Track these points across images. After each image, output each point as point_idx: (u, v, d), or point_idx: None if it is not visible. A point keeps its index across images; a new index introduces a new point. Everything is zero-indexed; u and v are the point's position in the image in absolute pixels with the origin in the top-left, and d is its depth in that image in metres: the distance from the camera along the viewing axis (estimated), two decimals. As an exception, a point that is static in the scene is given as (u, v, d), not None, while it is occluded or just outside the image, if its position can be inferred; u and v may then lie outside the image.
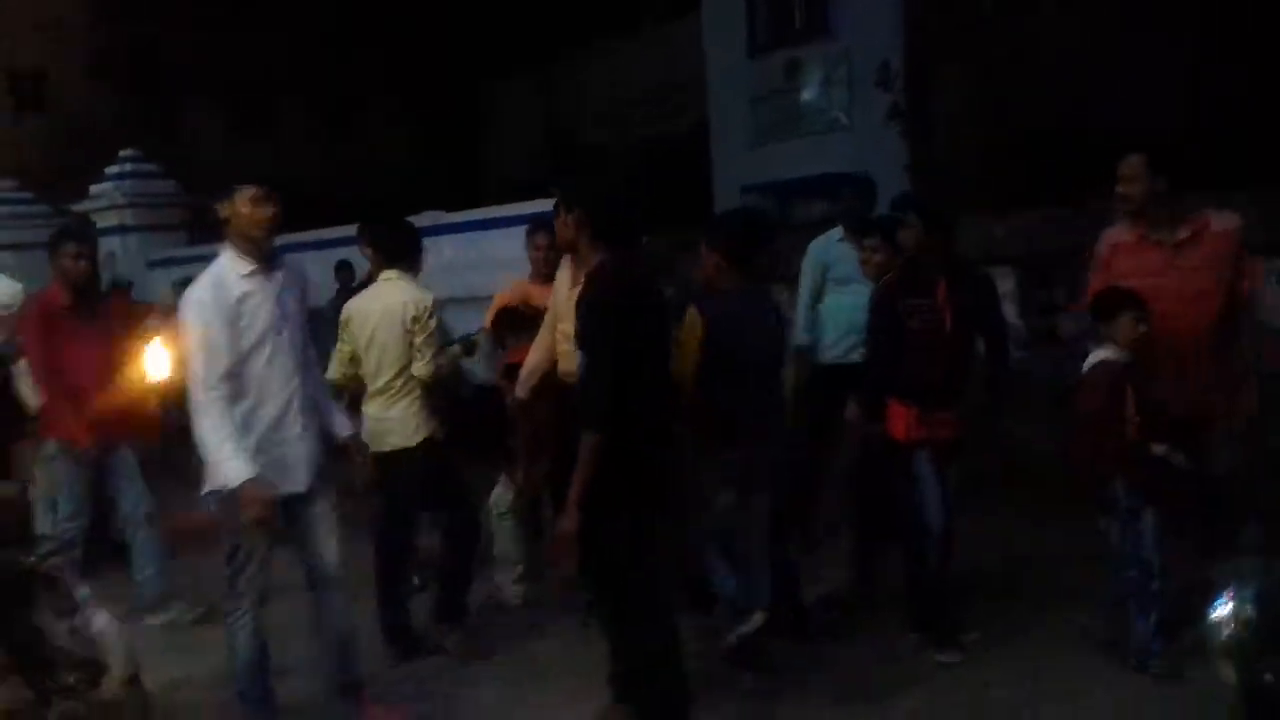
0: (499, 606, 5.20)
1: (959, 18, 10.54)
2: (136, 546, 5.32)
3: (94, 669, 3.59)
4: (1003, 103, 9.63)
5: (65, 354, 5.10)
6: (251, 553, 3.65)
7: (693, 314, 4.10)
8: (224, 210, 3.71)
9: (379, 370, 4.62)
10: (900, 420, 4.37)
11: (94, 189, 13.33)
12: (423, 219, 10.01)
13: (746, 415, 4.10)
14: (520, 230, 8.93)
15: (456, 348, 5.21)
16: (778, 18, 12.66)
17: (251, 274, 3.68)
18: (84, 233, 5.44)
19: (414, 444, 4.57)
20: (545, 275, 5.19)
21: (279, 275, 3.77)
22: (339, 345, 4.75)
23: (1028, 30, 10.32)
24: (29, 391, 5.41)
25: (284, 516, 3.68)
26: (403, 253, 4.83)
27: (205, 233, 13.45)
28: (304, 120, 22.21)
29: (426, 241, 5.08)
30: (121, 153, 13.46)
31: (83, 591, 3.63)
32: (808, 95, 11.83)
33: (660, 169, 16.53)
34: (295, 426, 3.73)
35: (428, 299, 4.65)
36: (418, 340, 4.57)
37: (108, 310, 5.58)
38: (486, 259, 8.30)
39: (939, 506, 4.34)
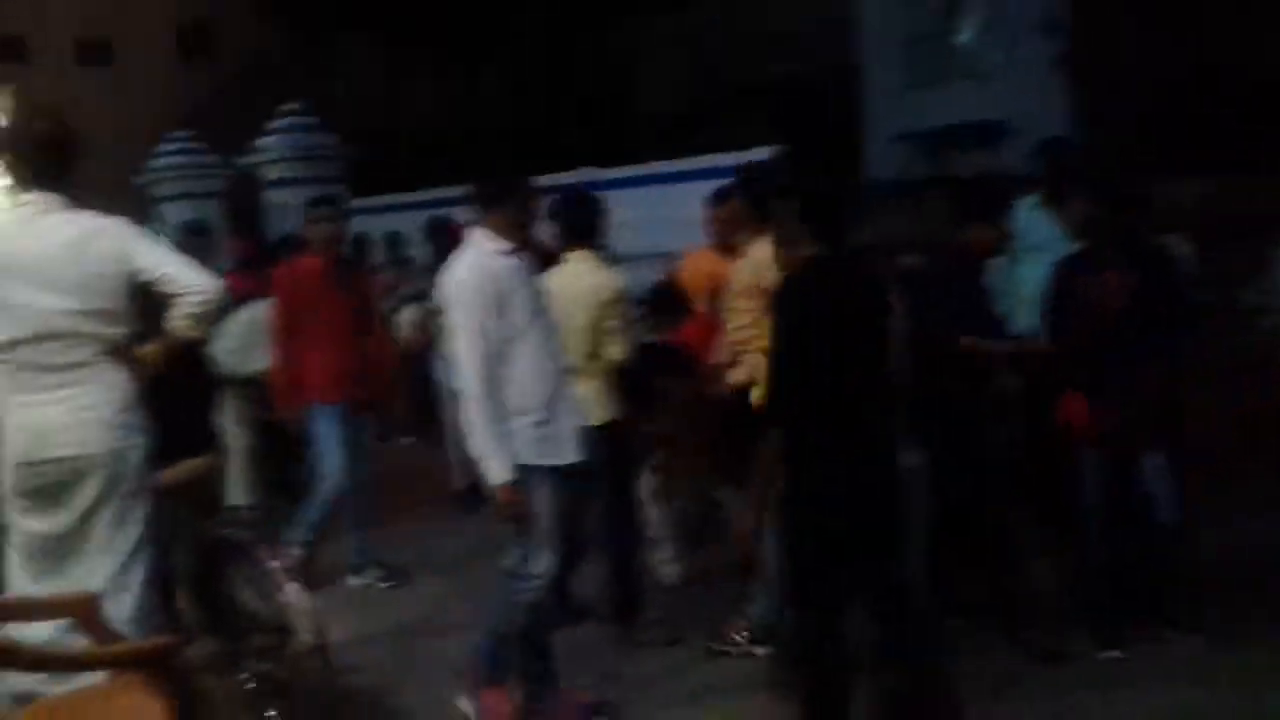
0: (657, 585, 5.22)
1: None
2: (312, 502, 5.52)
3: (282, 634, 3.85)
4: (1179, 51, 9.06)
5: (320, 317, 5.33)
6: (536, 533, 3.73)
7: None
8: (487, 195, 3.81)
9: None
10: (1068, 407, 4.24)
11: (259, 142, 13.85)
12: (580, 175, 10.16)
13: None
14: (678, 186, 9.07)
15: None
16: (937, -47, 12.15)
17: (510, 253, 3.76)
18: (334, 200, 5.69)
19: (597, 425, 4.39)
20: (722, 245, 5.10)
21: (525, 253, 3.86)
22: None
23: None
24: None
25: (563, 487, 3.79)
26: (589, 230, 4.69)
27: (364, 184, 13.90)
28: (448, 60, 22.48)
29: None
30: (283, 106, 13.93)
31: (271, 562, 3.88)
32: (966, 37, 11.37)
33: (811, 104, 16.27)
34: (563, 402, 3.81)
35: (617, 281, 4.57)
36: (610, 324, 4.49)
37: (357, 275, 5.80)
38: (647, 217, 8.27)
39: (1100, 496, 4.22)
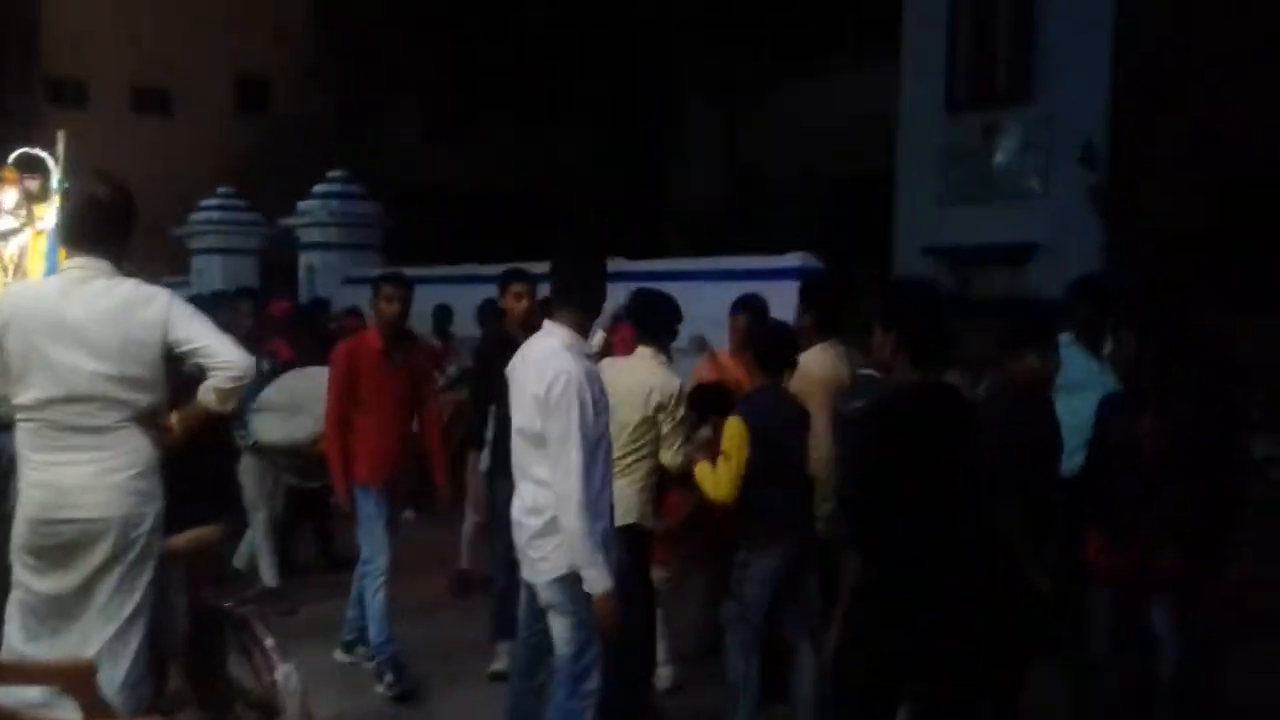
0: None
1: (1174, 90, 10.10)
2: (365, 591, 5.33)
3: (270, 711, 3.82)
4: (1222, 184, 9.16)
5: (374, 397, 5.24)
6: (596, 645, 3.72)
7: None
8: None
9: None
10: (1090, 545, 4.20)
11: (301, 205, 14.14)
12: (611, 265, 10.18)
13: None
14: (706, 285, 9.13)
15: None
16: (980, 74, 12.35)
17: (592, 355, 4.01)
18: (401, 278, 5.61)
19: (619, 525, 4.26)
20: (742, 348, 5.17)
21: None
22: None
23: (1241, 88, 9.78)
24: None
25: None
26: (660, 330, 4.66)
27: (398, 254, 14.11)
28: (498, 134, 22.95)
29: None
30: (330, 173, 14.24)
31: (269, 640, 3.87)
32: (1003, 159, 11.52)
33: (844, 213, 16.47)
34: (609, 505, 3.84)
35: (675, 384, 4.51)
36: (665, 429, 4.45)
37: (415, 355, 5.65)
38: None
39: (1103, 643, 4.17)
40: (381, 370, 5.28)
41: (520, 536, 3.81)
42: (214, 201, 15.56)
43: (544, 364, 3.69)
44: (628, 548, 4.24)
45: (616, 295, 5.49)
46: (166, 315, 3.46)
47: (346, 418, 5.26)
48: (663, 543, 4.90)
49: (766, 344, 4.61)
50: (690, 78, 20.59)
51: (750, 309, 5.36)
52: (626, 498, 4.36)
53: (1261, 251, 9.07)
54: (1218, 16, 9.99)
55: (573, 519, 3.58)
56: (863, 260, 12.06)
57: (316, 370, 6.08)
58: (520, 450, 3.81)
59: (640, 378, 4.48)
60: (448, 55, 21.22)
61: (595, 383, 3.72)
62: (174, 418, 3.59)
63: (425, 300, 9.40)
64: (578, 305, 3.85)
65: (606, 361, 4.64)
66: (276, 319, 8.44)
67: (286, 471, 6.60)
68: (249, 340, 6.18)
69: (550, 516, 3.67)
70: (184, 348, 3.49)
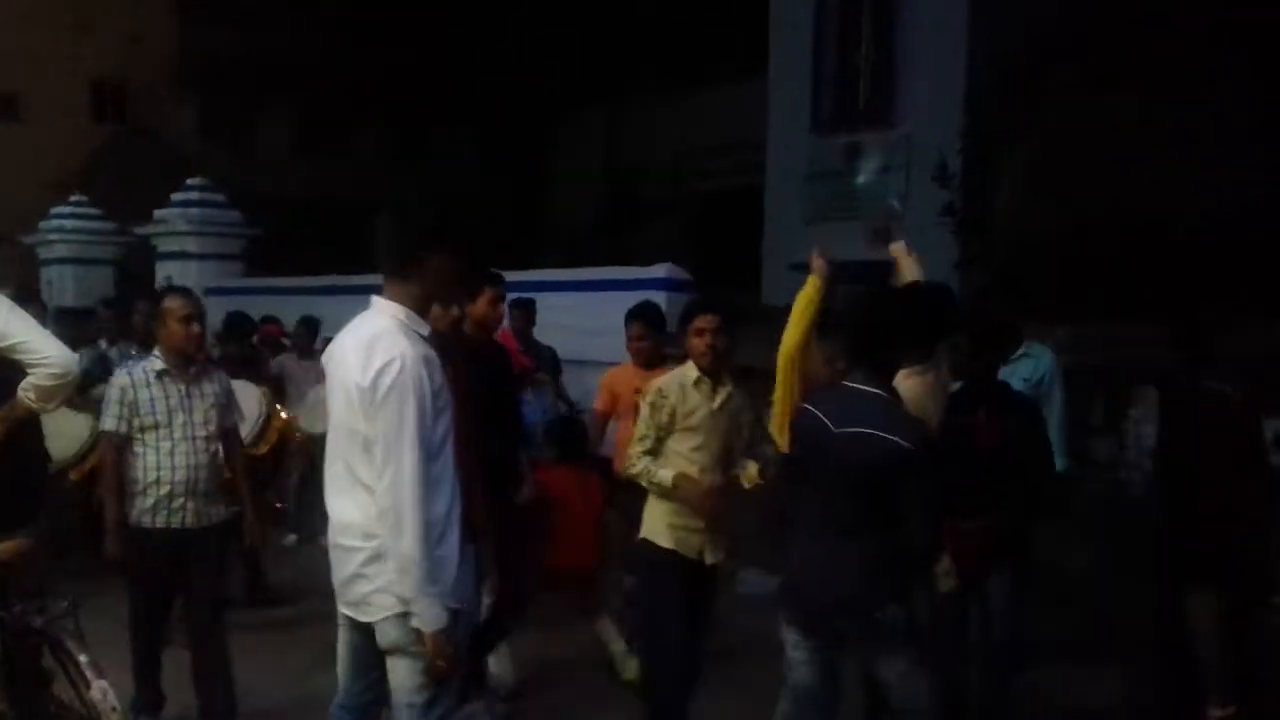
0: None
1: (1021, 105, 10.55)
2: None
3: (89, 728, 3.66)
4: (1065, 205, 9.58)
5: None
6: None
7: None
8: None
9: None
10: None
11: (158, 213, 13.68)
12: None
13: None
14: (575, 295, 9.14)
15: None
16: (842, 95, 12.68)
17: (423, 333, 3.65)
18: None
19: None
20: (645, 365, 5.29)
21: None
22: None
23: (1092, 117, 10.31)
24: None
25: None
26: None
27: (260, 264, 13.76)
28: (372, 141, 22.60)
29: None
30: (190, 180, 13.81)
31: (83, 656, 3.70)
32: (864, 180, 11.84)
33: (714, 228, 16.73)
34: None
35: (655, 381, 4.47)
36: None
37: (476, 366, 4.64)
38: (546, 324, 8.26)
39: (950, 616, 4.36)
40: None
41: (345, 564, 3.15)
42: (66, 209, 14.93)
43: (372, 348, 3.05)
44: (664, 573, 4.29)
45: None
46: (-16, 310, 3.31)
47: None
48: None
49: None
50: (568, 91, 20.66)
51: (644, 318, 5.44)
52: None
53: (1108, 264, 9.47)
54: (1066, 47, 10.48)
55: (407, 539, 2.96)
56: (733, 274, 12.28)
57: (236, 385, 5.86)
58: (343, 454, 3.14)
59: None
60: (318, 64, 20.80)
61: (436, 371, 3.11)
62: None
63: (291, 311, 9.24)
64: (395, 271, 3.18)
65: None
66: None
67: None
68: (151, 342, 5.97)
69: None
70: (2, 344, 3.34)
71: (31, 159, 20.21)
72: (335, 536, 3.19)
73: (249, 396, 6.22)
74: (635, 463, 4.33)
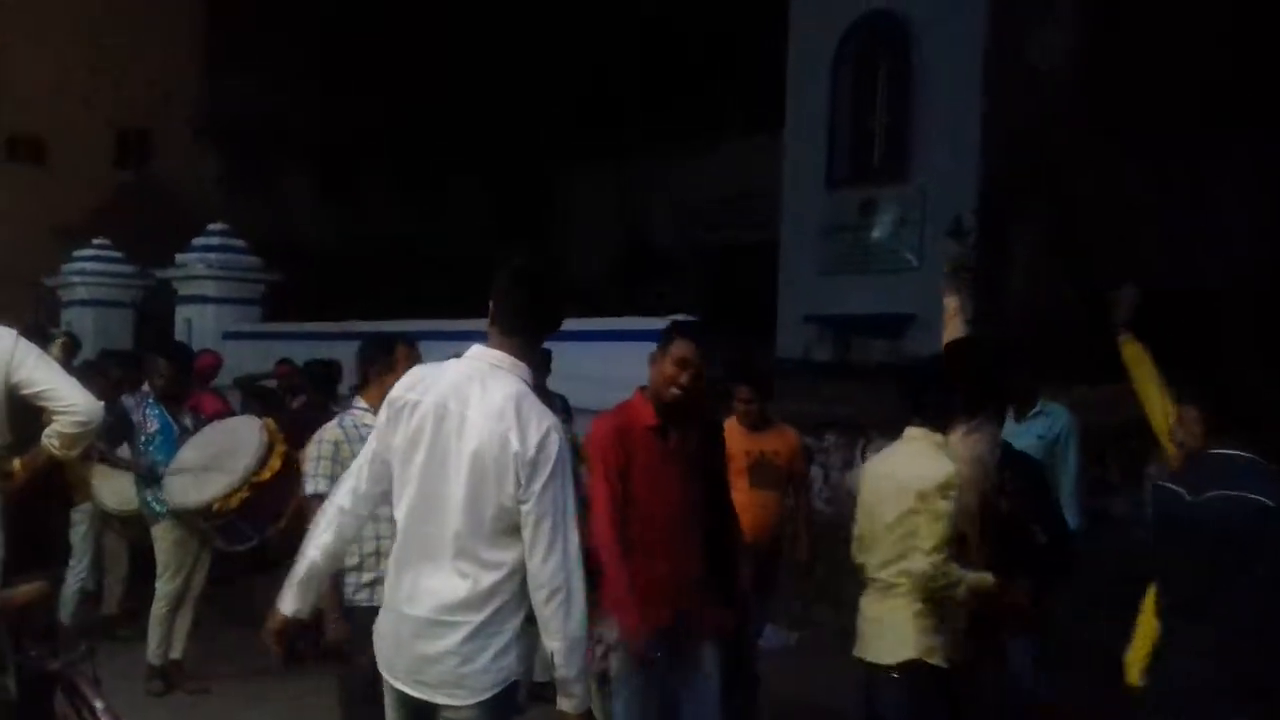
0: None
1: (1036, 169, 10.65)
2: None
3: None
4: (1079, 266, 9.67)
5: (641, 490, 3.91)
6: None
7: None
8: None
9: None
10: None
11: (179, 257, 13.82)
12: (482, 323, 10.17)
13: None
14: (591, 344, 9.20)
15: None
16: (857, 152, 12.80)
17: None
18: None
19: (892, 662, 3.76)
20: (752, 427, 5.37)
21: None
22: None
23: (1104, 184, 10.42)
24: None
25: None
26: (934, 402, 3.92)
27: (278, 309, 13.86)
28: (386, 195, 22.81)
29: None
30: (211, 225, 13.97)
31: (99, 702, 3.71)
32: (879, 234, 11.91)
33: (728, 280, 16.82)
34: None
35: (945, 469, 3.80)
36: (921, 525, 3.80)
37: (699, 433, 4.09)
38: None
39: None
40: (655, 453, 3.96)
41: (436, 641, 2.94)
42: (89, 252, 15.09)
43: (523, 413, 2.91)
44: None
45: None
46: (11, 356, 3.36)
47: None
48: None
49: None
50: (582, 143, 20.87)
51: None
52: (899, 624, 3.77)
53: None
54: (1078, 113, 10.62)
55: (575, 620, 2.88)
56: (748, 327, 12.32)
57: (238, 421, 5.88)
58: (454, 525, 2.94)
59: (916, 466, 3.79)
60: (337, 118, 21.11)
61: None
62: (16, 463, 3.46)
63: (309, 356, 9.32)
64: (534, 332, 3.10)
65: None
66: (201, 372, 8.13)
67: (210, 535, 6.17)
68: (169, 398, 6.07)
69: (496, 609, 2.94)
70: (28, 390, 3.38)
71: (55, 203, 20.45)
72: (422, 611, 2.98)
73: (251, 426, 6.16)
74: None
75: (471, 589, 2.91)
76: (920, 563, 3.71)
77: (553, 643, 2.88)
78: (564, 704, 2.92)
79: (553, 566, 2.85)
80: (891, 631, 3.81)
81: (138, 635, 6.59)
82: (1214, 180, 10.60)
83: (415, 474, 2.97)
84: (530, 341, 3.07)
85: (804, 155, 13.21)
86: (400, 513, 3.02)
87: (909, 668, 3.79)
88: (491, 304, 3.07)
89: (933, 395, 3.91)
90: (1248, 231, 10.77)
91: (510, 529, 2.89)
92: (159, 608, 6.26)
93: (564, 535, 2.88)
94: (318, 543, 3.10)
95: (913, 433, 3.91)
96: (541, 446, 2.87)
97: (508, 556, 2.91)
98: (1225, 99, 10.36)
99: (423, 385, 3.03)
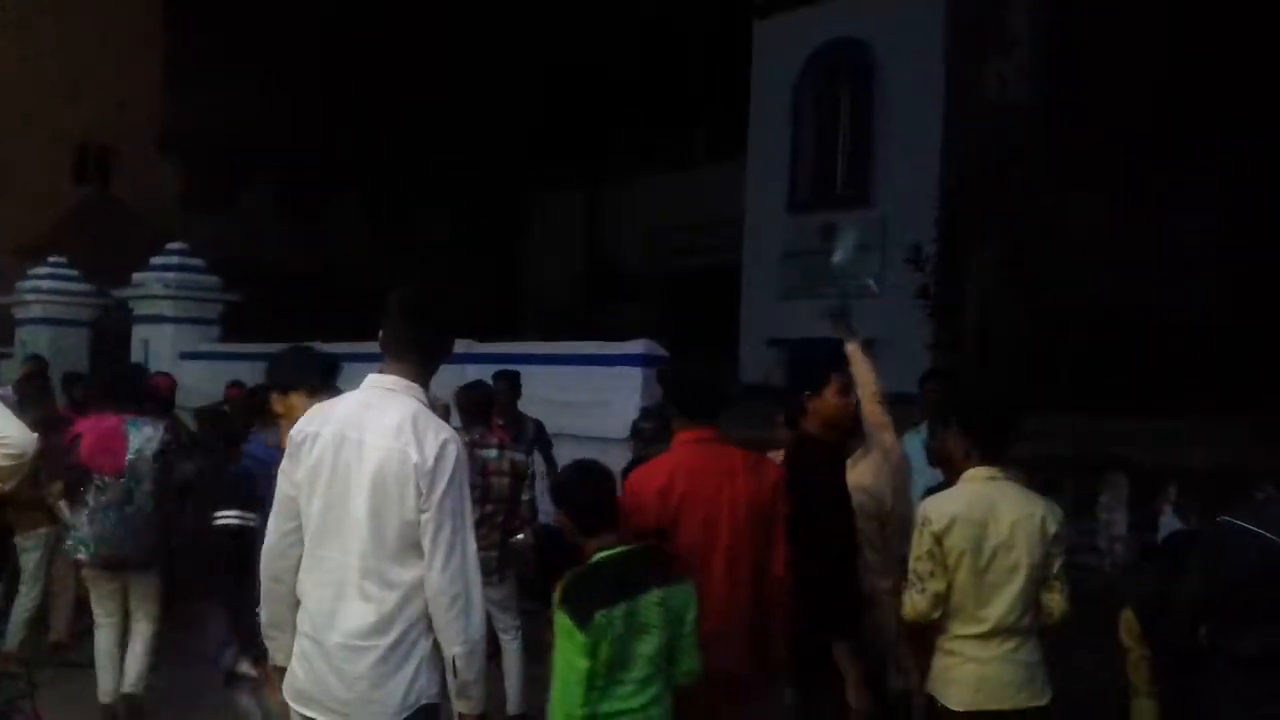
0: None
1: (994, 198, 10.81)
2: None
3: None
4: (1034, 289, 9.82)
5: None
6: None
7: None
8: None
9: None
10: None
11: (137, 276, 13.64)
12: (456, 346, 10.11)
13: None
14: (552, 369, 9.17)
15: None
16: (819, 178, 12.96)
17: None
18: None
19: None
20: None
21: None
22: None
23: (1060, 214, 10.58)
24: None
25: None
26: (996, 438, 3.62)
27: (236, 329, 13.72)
28: (351, 215, 22.73)
29: (453, 370, 4.79)
30: (169, 245, 13.82)
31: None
32: (840, 259, 12.04)
33: (693, 302, 16.89)
34: None
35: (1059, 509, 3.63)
36: (1055, 566, 3.54)
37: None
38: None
39: None
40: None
41: (346, 668, 2.95)
42: (44, 270, 14.86)
43: (419, 426, 2.94)
44: None
45: (465, 376, 5.44)
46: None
47: None
48: None
49: None
50: (547, 168, 20.94)
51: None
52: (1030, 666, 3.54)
53: (1075, 355, 9.63)
54: (1035, 146, 10.80)
55: (475, 622, 2.92)
56: (710, 350, 12.35)
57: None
58: (358, 552, 2.95)
59: (1022, 507, 3.52)
60: (298, 137, 21.03)
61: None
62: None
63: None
64: (420, 358, 3.12)
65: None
66: (159, 394, 7.98)
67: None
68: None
69: (404, 630, 2.95)
70: None
71: (13, 220, 20.21)
72: (334, 638, 2.97)
73: None
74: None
75: (378, 611, 2.93)
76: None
77: (453, 648, 2.90)
78: (461, 706, 2.96)
79: (452, 572, 2.88)
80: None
81: (87, 660, 6.43)
82: (1175, 211, 10.79)
83: (318, 502, 2.99)
84: (422, 363, 3.11)
85: (766, 180, 13.35)
86: (307, 540, 3.03)
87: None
88: (381, 332, 3.12)
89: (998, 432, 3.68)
90: (1209, 262, 10.96)
91: (414, 545, 2.91)
92: (106, 641, 5.99)
93: (463, 541, 2.91)
94: (268, 588, 3.10)
95: (990, 472, 3.61)
96: (440, 456, 2.90)
97: (412, 575, 2.93)
98: (1184, 130, 10.57)
99: (321, 418, 3.07)
